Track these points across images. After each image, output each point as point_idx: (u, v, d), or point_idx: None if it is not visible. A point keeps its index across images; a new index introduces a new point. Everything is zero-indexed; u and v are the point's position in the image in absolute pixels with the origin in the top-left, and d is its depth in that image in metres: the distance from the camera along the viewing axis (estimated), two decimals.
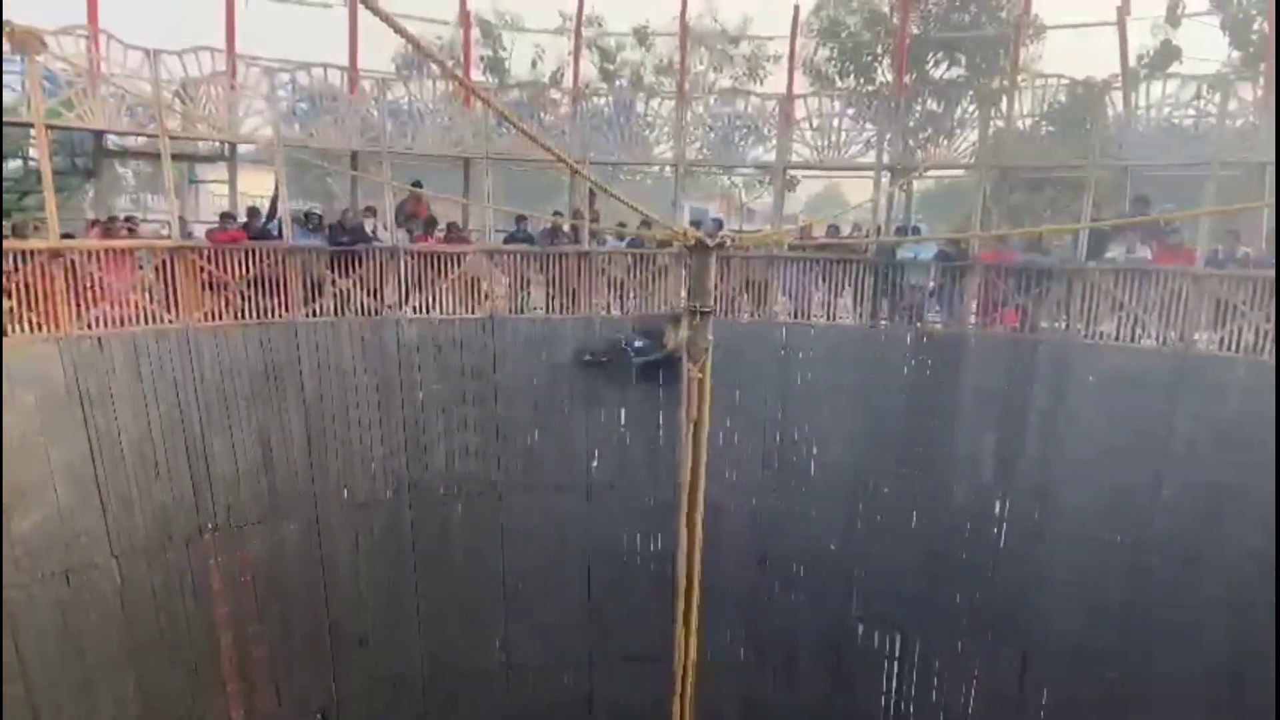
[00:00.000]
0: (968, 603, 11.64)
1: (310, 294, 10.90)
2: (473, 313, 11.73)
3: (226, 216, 11.10)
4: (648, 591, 12.21)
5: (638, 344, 11.82)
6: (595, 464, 12.28)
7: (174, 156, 10.62)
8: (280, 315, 10.66)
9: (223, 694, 10.29)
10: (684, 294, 5.64)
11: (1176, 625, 10.12)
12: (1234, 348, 10.03)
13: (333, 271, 11.00)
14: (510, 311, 11.91)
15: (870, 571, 12.12)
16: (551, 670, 12.37)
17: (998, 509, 11.50)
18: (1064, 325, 11.14)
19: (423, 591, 11.73)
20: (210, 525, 10.07)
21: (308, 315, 10.83)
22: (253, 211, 11.21)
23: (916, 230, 13.44)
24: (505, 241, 12.33)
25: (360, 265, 11.14)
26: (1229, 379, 9.91)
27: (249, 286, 10.50)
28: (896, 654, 12.09)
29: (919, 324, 11.93)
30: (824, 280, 12.22)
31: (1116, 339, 10.81)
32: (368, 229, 11.37)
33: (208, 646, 10.12)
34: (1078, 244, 11.11)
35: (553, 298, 12.06)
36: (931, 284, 12.01)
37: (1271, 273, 9.65)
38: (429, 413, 11.58)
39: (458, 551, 11.93)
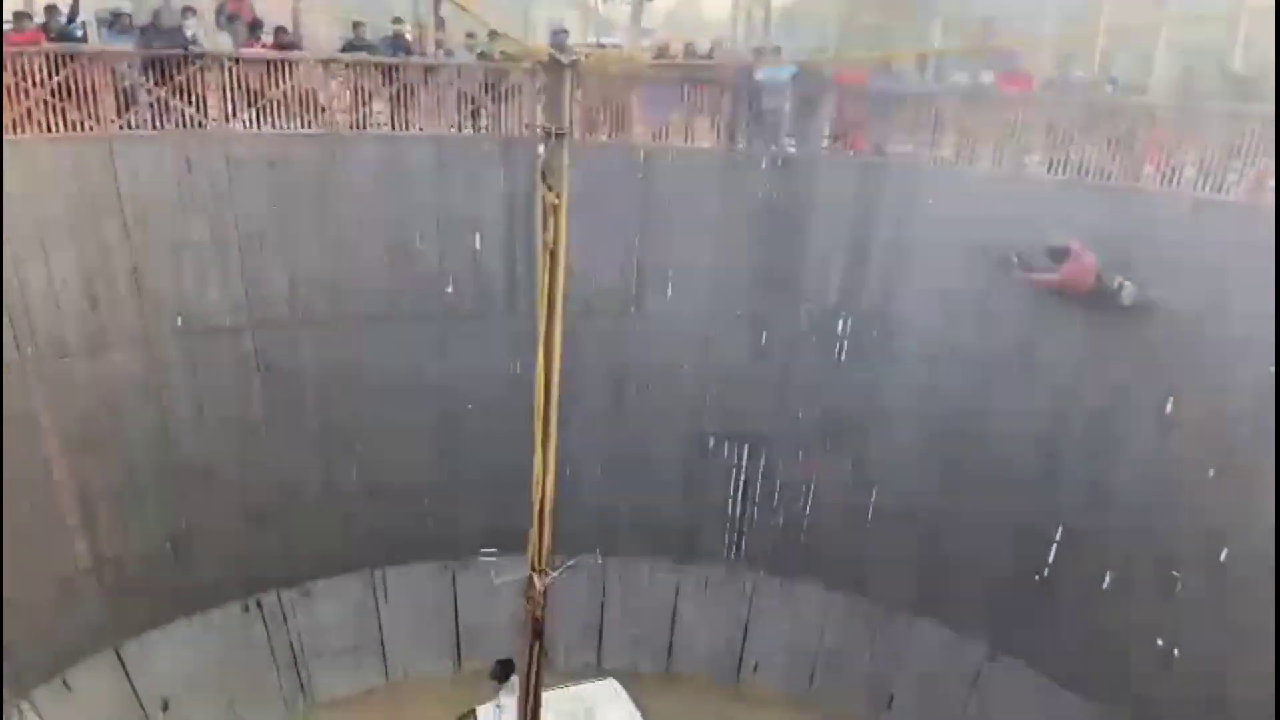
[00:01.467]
0: (810, 416, 12.40)
1: (124, 105, 9.84)
2: (309, 128, 10.92)
3: (21, 16, 9.74)
4: (505, 415, 12.41)
5: None
6: (450, 290, 12.02)
7: None
8: (91, 129, 9.62)
9: (64, 528, 9.96)
10: (539, 114, 5.38)
11: (1003, 428, 11.13)
12: (1062, 170, 10.58)
13: (147, 79, 9.92)
14: (352, 128, 11.15)
15: (723, 389, 12.66)
16: (411, 494, 12.51)
17: (840, 328, 12.11)
18: (910, 149, 11.45)
19: (271, 422, 11.45)
20: (31, 354, 9.38)
21: (122, 128, 9.82)
22: (51, 10, 9.86)
23: (776, 50, 13.23)
24: (342, 50, 11.37)
25: (180, 72, 10.09)
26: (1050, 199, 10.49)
27: (53, 95, 9.38)
28: (744, 464, 12.87)
29: (774, 147, 11.99)
30: (683, 102, 11.99)
31: (955, 162, 11.22)
32: (186, 32, 10.24)
33: (45, 480, 9.67)
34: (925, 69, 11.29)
35: (398, 114, 11.34)
36: (788, 106, 11.99)
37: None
38: (266, 237, 10.91)
39: (307, 380, 11.63)
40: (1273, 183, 8.95)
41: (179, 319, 10.54)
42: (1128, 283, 9.85)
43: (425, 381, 12.10)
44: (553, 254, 5.00)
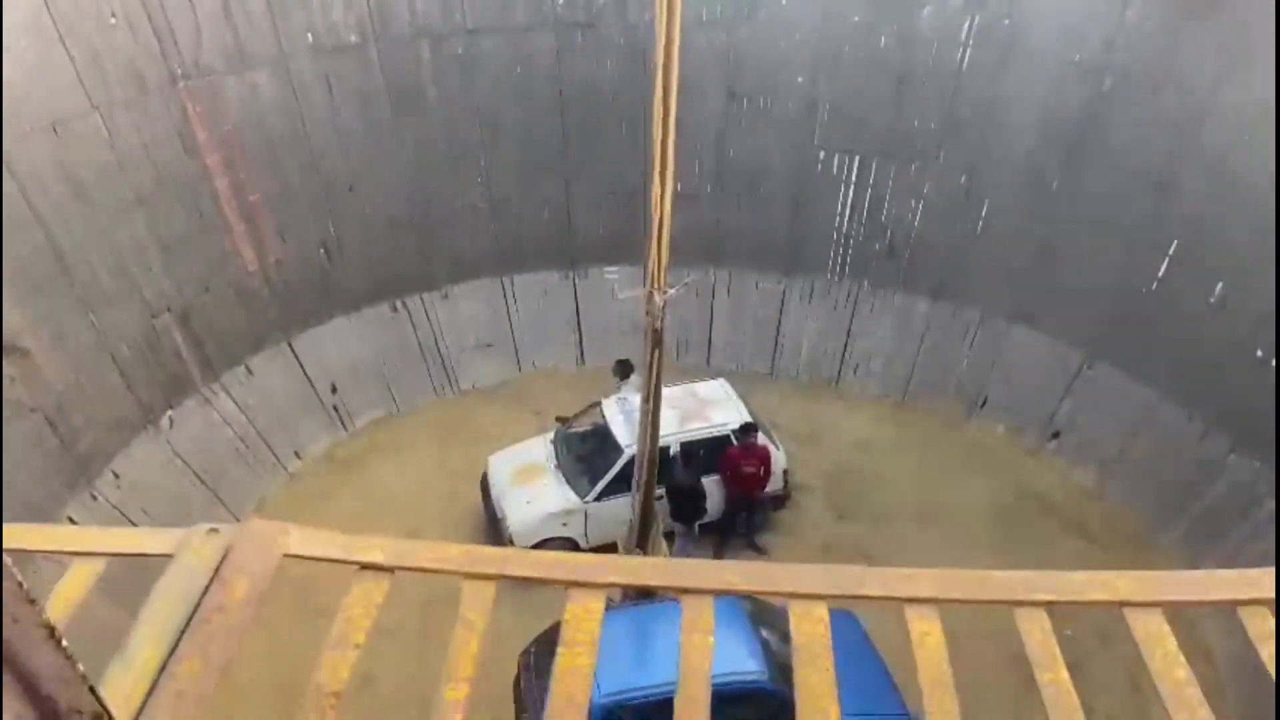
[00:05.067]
0: (925, 127, 12.21)
1: None
2: None
3: None
4: (621, 131, 12.72)
5: None
6: (562, 1, 11.97)
7: None
8: None
9: (230, 235, 11.14)
10: None
11: (1121, 145, 10.84)
12: None
13: None
14: None
15: (835, 102, 12.52)
16: (533, 206, 13.25)
17: (964, 33, 11.59)
18: None
19: (402, 136, 12.11)
20: (181, 74, 10.09)
21: None
22: None
23: None
24: None
25: None
26: None
27: None
28: (853, 179, 12.94)
29: None
30: None
31: None
32: None
33: (206, 192, 10.72)
34: None
35: None
36: None
37: None
38: None
39: (431, 95, 12.10)
40: None
41: (309, 36, 10.98)
42: None
43: (540, 95, 12.45)
44: None
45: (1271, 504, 9.51)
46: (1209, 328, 10.44)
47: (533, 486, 10.56)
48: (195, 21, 10.02)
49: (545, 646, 8.12)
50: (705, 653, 1.64)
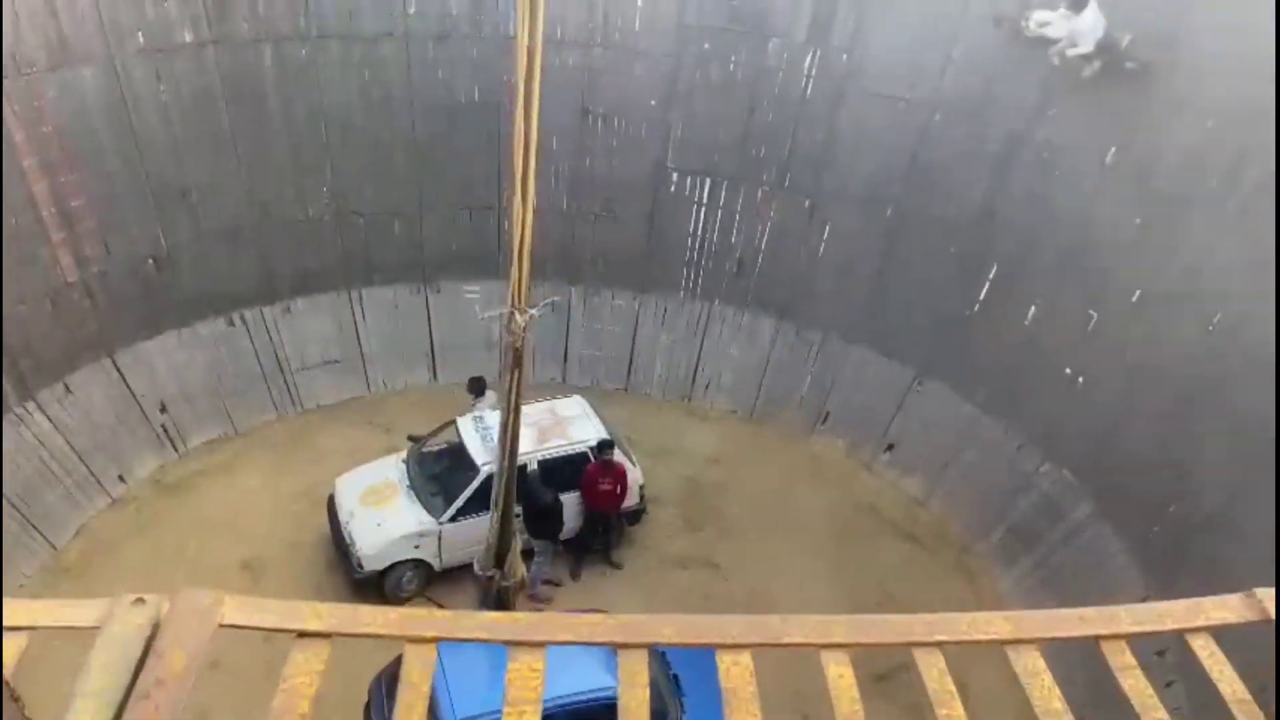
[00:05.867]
0: (771, 153, 12.75)
1: None
2: None
3: None
4: (475, 143, 12.60)
5: None
6: (413, 10, 11.75)
7: None
8: None
9: (48, 243, 10.30)
10: None
11: (948, 176, 11.66)
12: None
13: None
14: None
15: (686, 125, 12.88)
16: (383, 218, 12.91)
17: (806, 66, 12.18)
18: None
19: (241, 141, 11.55)
20: None
21: None
22: None
23: None
24: None
25: None
26: None
27: None
28: (704, 200, 13.35)
29: None
30: None
31: None
32: None
33: (21, 197, 9.87)
34: None
35: None
36: None
37: None
38: None
39: (273, 100, 11.60)
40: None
41: (140, 35, 10.32)
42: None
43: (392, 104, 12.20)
44: (532, 5, 5.10)
45: (1077, 514, 10.47)
46: (1023, 348, 11.38)
47: (384, 509, 10.28)
48: (14, 13, 9.22)
49: (395, 672, 7.92)
50: (643, 707, 1.72)
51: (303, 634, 1.73)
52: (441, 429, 11.11)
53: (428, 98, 12.31)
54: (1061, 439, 10.97)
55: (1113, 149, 10.23)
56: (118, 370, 11.41)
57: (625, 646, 1.82)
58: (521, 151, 5.95)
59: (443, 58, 12.17)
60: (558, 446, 10.54)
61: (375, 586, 10.13)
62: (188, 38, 10.70)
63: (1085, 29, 9.86)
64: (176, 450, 11.94)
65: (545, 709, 1.76)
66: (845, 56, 11.89)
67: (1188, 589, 7.46)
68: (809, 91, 12.26)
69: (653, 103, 12.73)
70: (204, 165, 11.34)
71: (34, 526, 10.19)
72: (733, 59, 12.37)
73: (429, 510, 10.25)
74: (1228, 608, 2.05)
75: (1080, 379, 10.80)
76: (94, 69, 10.07)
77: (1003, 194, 11.33)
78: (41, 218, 10.10)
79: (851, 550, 11.59)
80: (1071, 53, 10.03)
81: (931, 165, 11.76)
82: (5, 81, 9.35)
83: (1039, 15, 10.21)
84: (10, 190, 9.70)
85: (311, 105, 11.80)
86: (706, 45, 12.31)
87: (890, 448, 12.84)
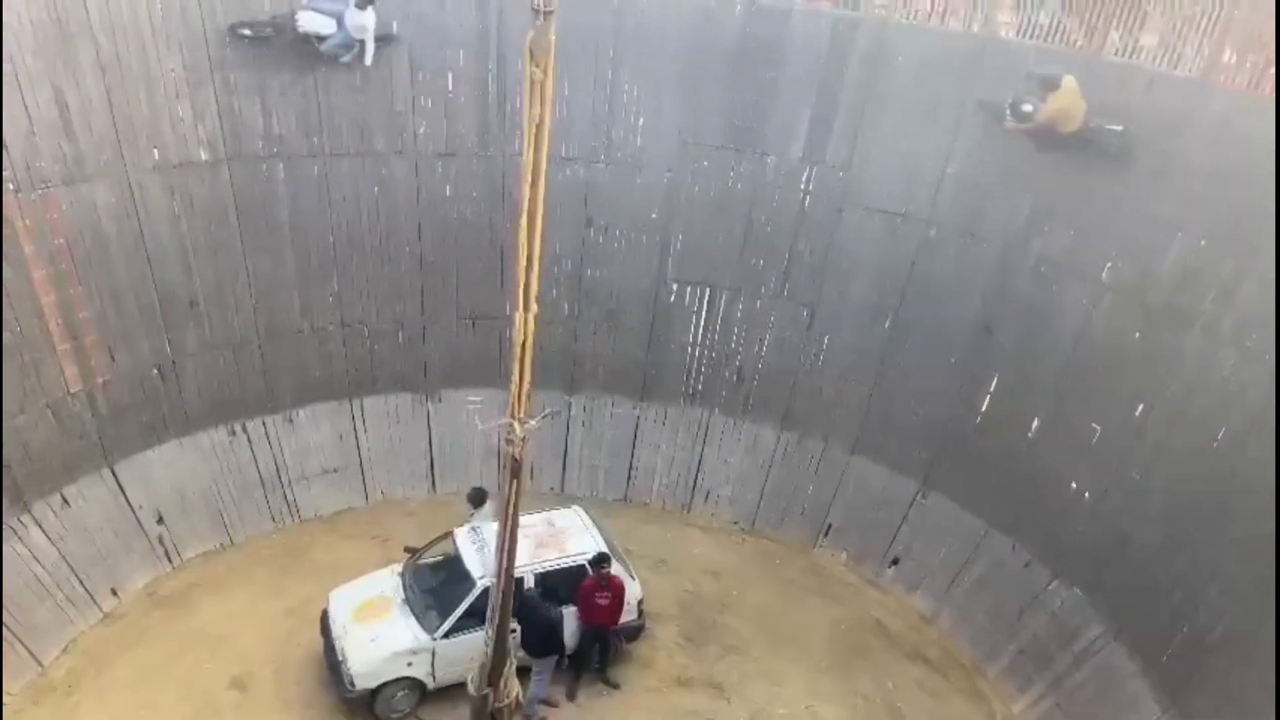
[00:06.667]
0: (770, 264, 12.92)
1: None
2: None
3: None
4: (479, 256, 12.82)
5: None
6: (422, 131, 12.12)
7: None
8: None
9: (54, 353, 10.38)
10: None
11: (946, 288, 11.77)
12: (1030, 34, 10.74)
13: None
14: None
15: (686, 236, 13.10)
16: (387, 329, 13.03)
17: (803, 182, 12.45)
18: (883, 7, 11.51)
19: (251, 252, 11.75)
20: (13, 187, 9.51)
21: None
22: None
23: None
24: None
25: None
26: (1021, 63, 10.66)
27: None
28: (704, 310, 13.47)
29: None
30: None
31: (928, 20, 11.32)
32: None
33: (29, 309, 10.00)
34: None
35: None
36: None
37: None
38: (238, 71, 10.87)
39: (284, 214, 11.86)
40: None
41: (155, 151, 10.63)
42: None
43: (397, 219, 12.47)
44: (538, 129, 5.22)
45: (1089, 633, 10.18)
46: (1027, 461, 11.26)
47: (377, 623, 10.05)
48: (30, 129, 9.53)
49: None
50: None
51: None
52: (438, 541, 10.95)
53: (434, 211, 12.58)
54: (1069, 555, 10.76)
55: (1107, 265, 10.33)
56: (116, 481, 11.31)
57: None
58: (525, 265, 5.98)
59: (450, 173, 12.48)
60: (555, 559, 10.36)
61: (366, 706, 9.83)
62: (204, 155, 11.00)
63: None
64: (171, 562, 11.77)
65: None
66: (842, 174, 12.16)
67: (1203, 711, 7.22)
68: (807, 204, 12.51)
69: (654, 215, 12.98)
70: (212, 276, 11.49)
71: (20, 642, 9.96)
72: (731, 174, 12.67)
73: (423, 625, 10.01)
74: None
75: (1086, 494, 10.65)
76: (108, 183, 10.30)
77: (1001, 306, 11.41)
78: (48, 328, 10.18)
79: (859, 670, 11.25)
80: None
81: (929, 277, 11.90)
82: (19, 195, 9.57)
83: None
84: (18, 303, 9.83)
85: (321, 218, 12.04)
86: (705, 162, 12.63)
87: (895, 562, 12.61)
